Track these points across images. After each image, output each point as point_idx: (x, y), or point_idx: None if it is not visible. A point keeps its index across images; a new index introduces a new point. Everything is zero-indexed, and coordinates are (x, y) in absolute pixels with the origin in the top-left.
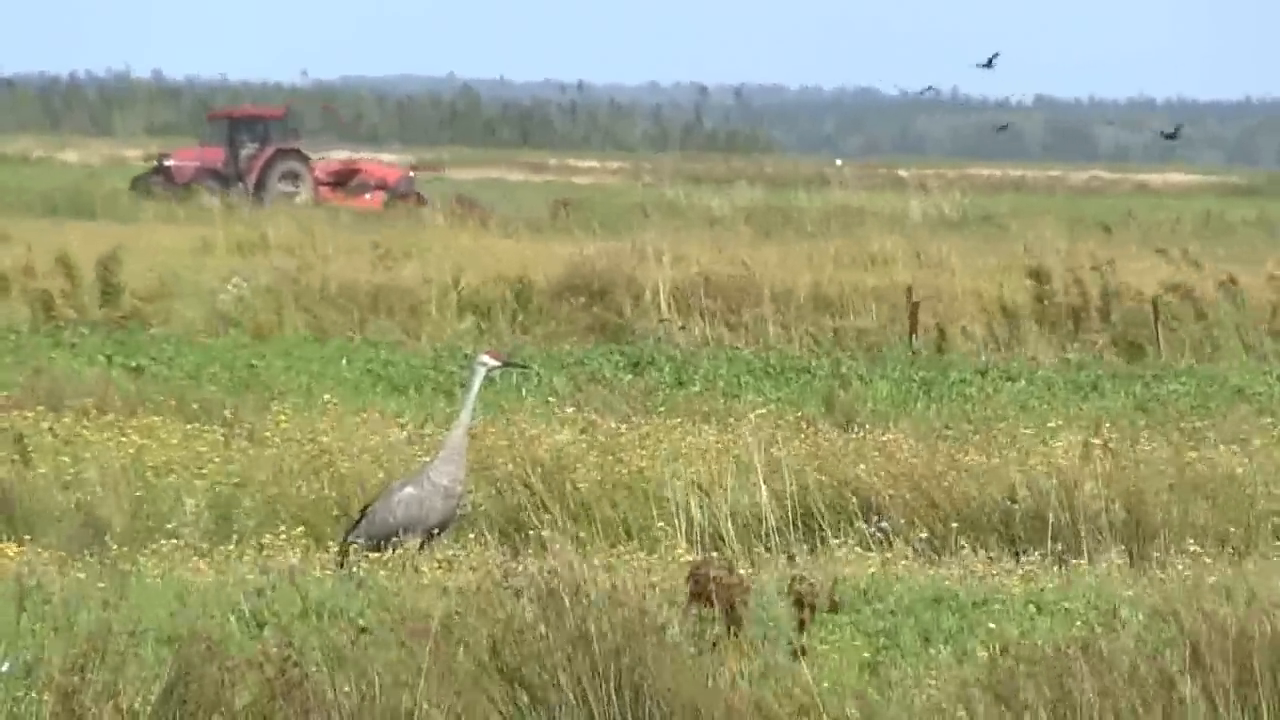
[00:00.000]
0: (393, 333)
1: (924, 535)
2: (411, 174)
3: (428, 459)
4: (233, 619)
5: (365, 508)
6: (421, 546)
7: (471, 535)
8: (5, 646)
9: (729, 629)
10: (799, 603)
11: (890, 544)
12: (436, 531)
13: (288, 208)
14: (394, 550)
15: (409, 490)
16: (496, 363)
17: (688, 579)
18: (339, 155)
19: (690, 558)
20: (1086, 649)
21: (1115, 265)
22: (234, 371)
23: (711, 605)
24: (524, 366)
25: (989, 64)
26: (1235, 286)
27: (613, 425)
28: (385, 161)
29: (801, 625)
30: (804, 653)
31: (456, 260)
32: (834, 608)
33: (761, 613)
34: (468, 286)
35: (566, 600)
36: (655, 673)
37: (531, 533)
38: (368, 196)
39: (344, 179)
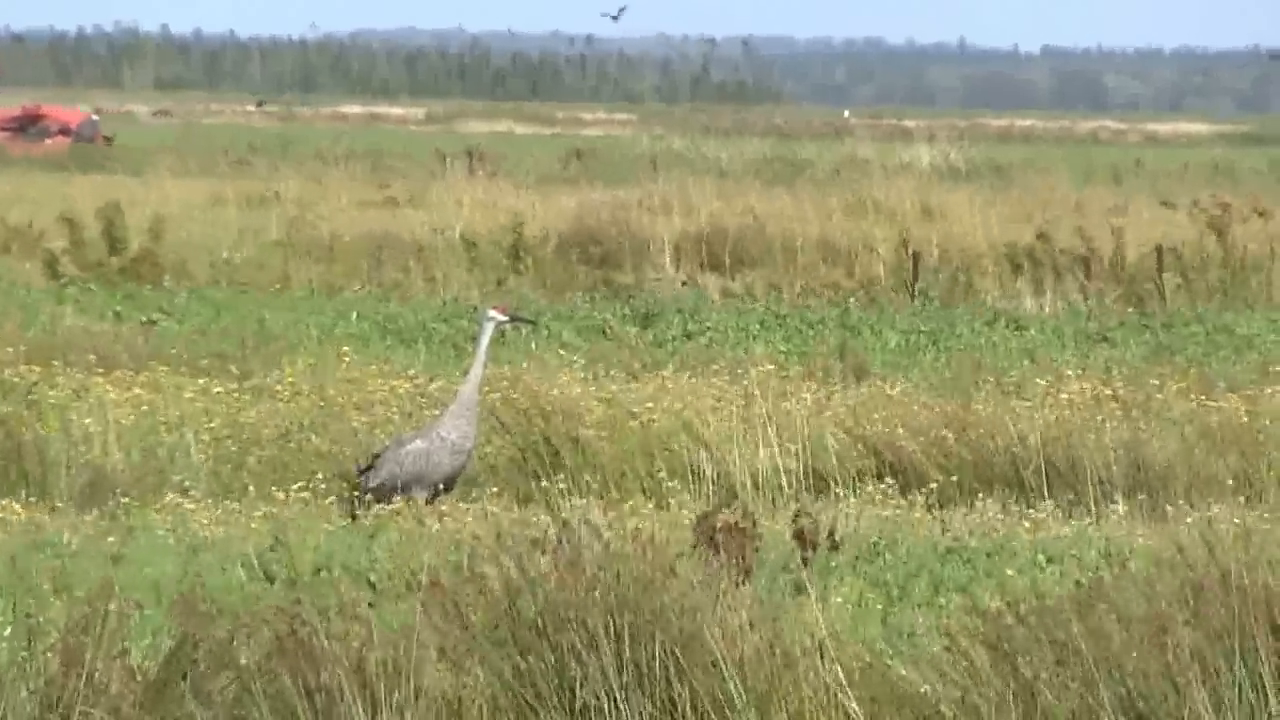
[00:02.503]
0: (401, 285)
1: (935, 486)
2: (95, 117)
3: (438, 412)
4: (242, 574)
5: (375, 457)
6: (429, 500)
7: (487, 488)
8: (11, 603)
9: (738, 578)
10: (800, 538)
11: (905, 495)
12: (443, 487)
13: None
14: (405, 502)
15: (418, 443)
16: (504, 317)
17: (695, 527)
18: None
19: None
20: (1089, 596)
21: (1124, 214)
22: (244, 325)
23: (719, 554)
24: (531, 321)
25: (616, 17)
26: (1264, 219)
27: (622, 379)
28: (68, 106)
29: (804, 562)
30: (806, 589)
31: (465, 212)
32: (834, 546)
33: (767, 557)
34: (476, 239)
35: (581, 549)
36: (671, 619)
37: (544, 485)
38: (49, 141)
39: (25, 125)
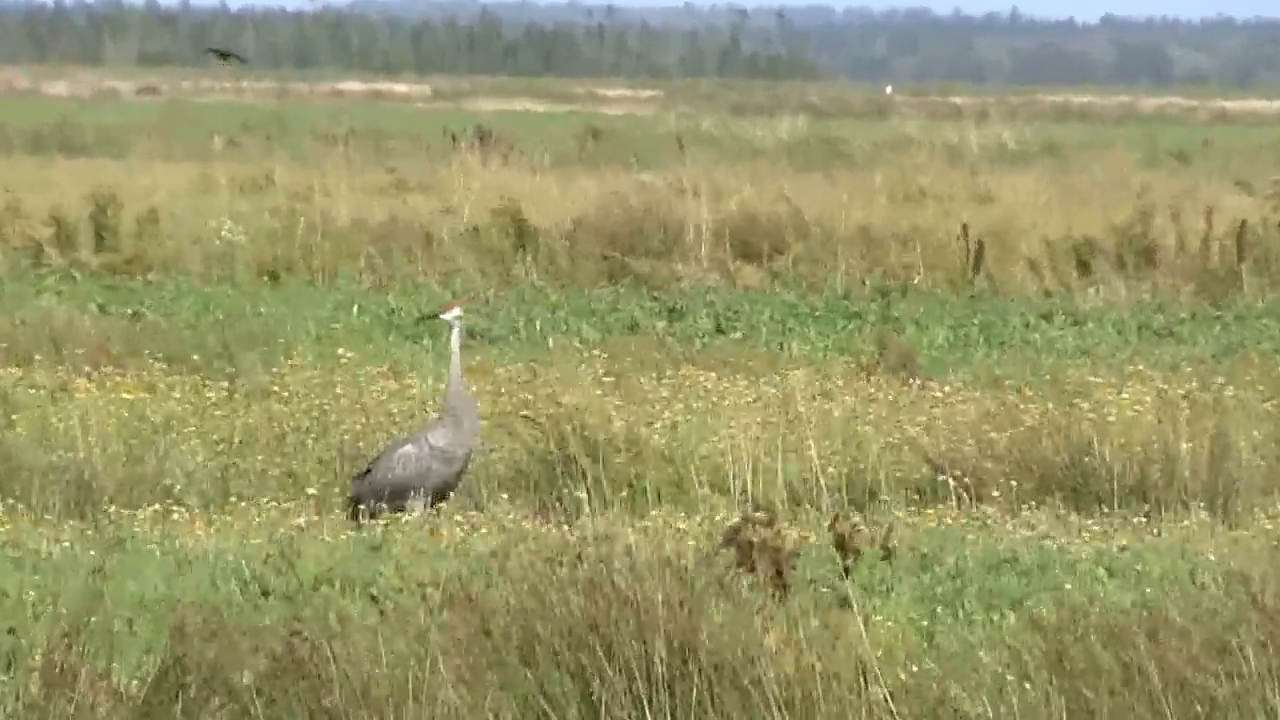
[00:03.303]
0: (406, 276)
1: (987, 493)
2: None
3: (435, 415)
4: (236, 588)
5: (372, 462)
6: (426, 510)
7: (500, 497)
8: None
9: (775, 595)
10: (841, 545)
11: (959, 503)
12: (439, 494)
13: None
14: (405, 511)
15: (408, 448)
16: (458, 311)
17: (725, 542)
18: None
19: (734, 519)
20: (1154, 612)
21: (1192, 198)
22: (237, 319)
23: (754, 570)
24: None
25: (225, 56)
26: None
27: (646, 377)
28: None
29: (846, 572)
30: (849, 604)
31: (475, 197)
32: (887, 554)
33: (805, 571)
34: (487, 226)
35: (601, 565)
36: (703, 640)
37: (564, 492)
38: None
39: None
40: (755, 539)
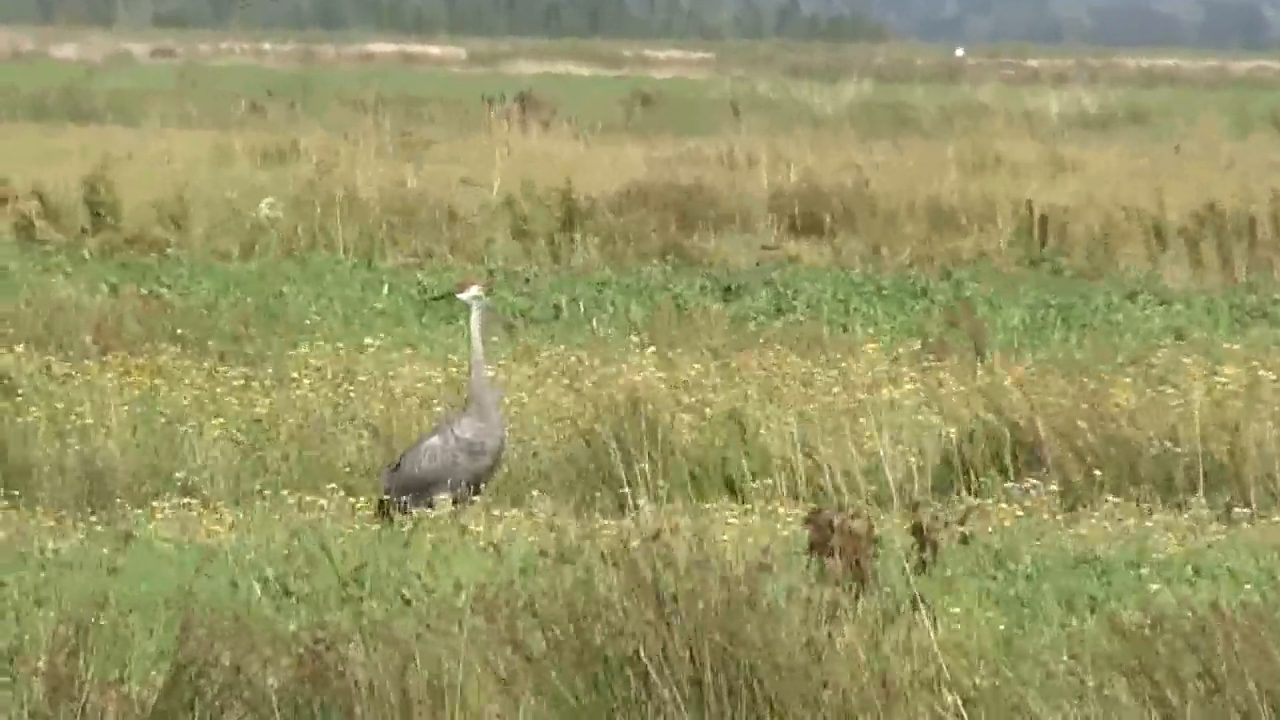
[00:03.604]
0: (440, 252)
1: (1066, 485)
2: None
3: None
4: (257, 588)
5: (402, 455)
6: (458, 502)
7: (544, 489)
8: None
9: (852, 587)
10: (919, 535)
11: (1030, 495)
12: (468, 488)
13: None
14: (433, 506)
15: (434, 440)
16: (483, 293)
17: (806, 523)
18: None
19: (796, 512)
20: (1245, 620)
21: None
22: (258, 299)
23: (833, 558)
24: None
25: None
26: None
27: (700, 361)
28: None
29: (923, 565)
30: (923, 602)
31: (514, 169)
32: (964, 540)
33: (882, 565)
34: (526, 198)
35: (650, 567)
36: (759, 649)
37: (613, 485)
38: None
39: None
40: (836, 522)
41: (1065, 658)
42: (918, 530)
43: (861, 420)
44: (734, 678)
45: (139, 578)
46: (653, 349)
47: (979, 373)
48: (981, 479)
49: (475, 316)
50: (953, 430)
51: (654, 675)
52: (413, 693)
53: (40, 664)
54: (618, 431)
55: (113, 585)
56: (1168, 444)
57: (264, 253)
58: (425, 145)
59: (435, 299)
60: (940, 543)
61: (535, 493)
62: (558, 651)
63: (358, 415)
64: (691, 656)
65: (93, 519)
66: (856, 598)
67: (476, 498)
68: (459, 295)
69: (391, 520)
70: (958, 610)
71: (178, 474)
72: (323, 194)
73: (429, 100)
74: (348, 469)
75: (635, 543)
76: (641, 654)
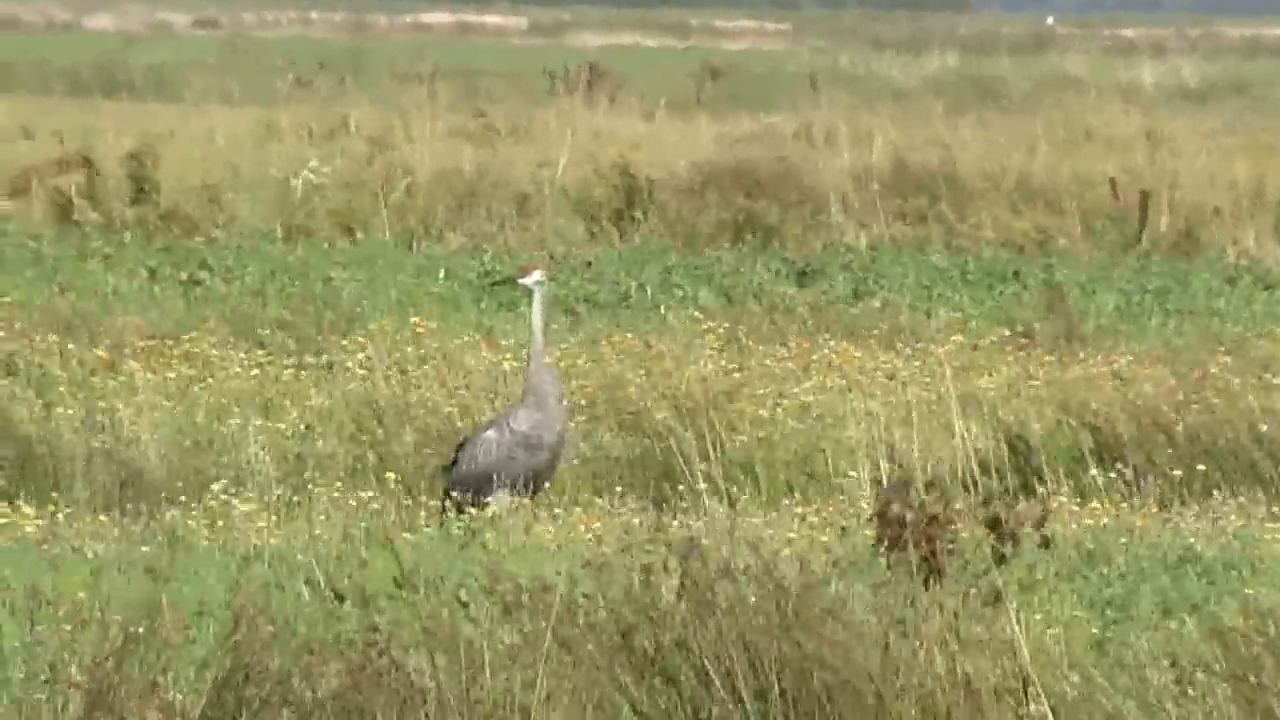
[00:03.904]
0: (500, 235)
1: (1164, 481)
2: None
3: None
4: (306, 591)
5: (459, 449)
6: (525, 497)
7: (607, 488)
8: (24, 630)
9: (927, 581)
10: (996, 528)
11: (1132, 493)
12: (526, 485)
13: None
14: (489, 504)
15: (489, 433)
16: (540, 274)
17: (874, 516)
18: None
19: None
20: None
21: None
22: (307, 285)
23: (904, 550)
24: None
25: None
26: None
27: (774, 350)
28: None
29: (1002, 560)
30: (999, 598)
31: (577, 146)
32: (1045, 543)
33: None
34: (591, 178)
35: (713, 573)
36: (829, 660)
37: (676, 485)
38: None
39: None
40: (908, 512)
41: (1164, 663)
42: (995, 523)
43: (945, 413)
44: (800, 688)
45: (181, 582)
46: (724, 337)
47: (1071, 363)
48: (1072, 474)
49: (537, 302)
50: (1041, 424)
51: (717, 685)
52: (470, 702)
53: (77, 674)
54: (686, 425)
55: (157, 591)
56: (1269, 437)
57: (312, 234)
58: (495, 131)
59: (496, 284)
60: (1020, 537)
61: (587, 493)
62: (616, 659)
63: (413, 408)
64: (754, 666)
65: (128, 520)
66: (930, 587)
67: (536, 495)
68: (521, 280)
69: (450, 519)
70: (1046, 613)
71: (221, 471)
72: (375, 174)
73: (487, 73)
74: (403, 465)
75: (702, 543)
76: (704, 663)
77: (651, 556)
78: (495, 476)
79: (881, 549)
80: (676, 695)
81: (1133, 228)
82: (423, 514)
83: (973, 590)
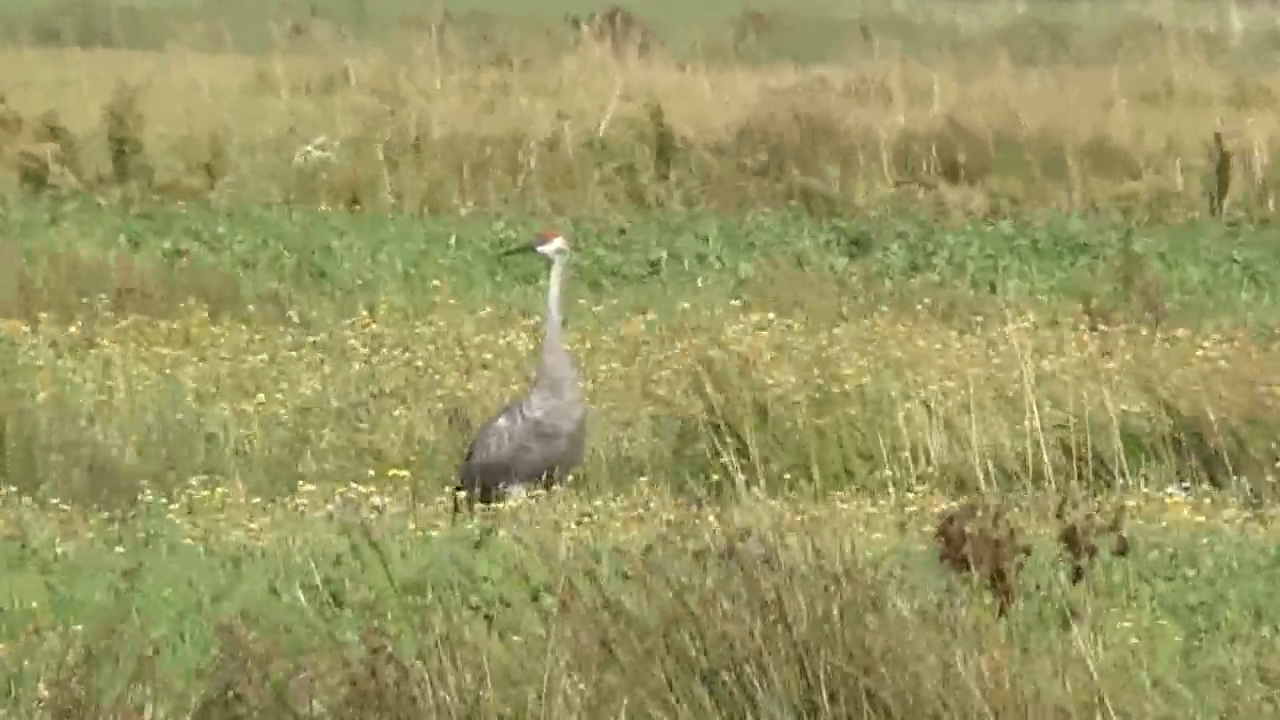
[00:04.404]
0: (518, 200)
1: (1255, 473)
2: None
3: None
4: (302, 597)
5: (474, 440)
6: (541, 491)
7: (637, 478)
8: None
9: (995, 602)
10: (1071, 541)
11: (1220, 486)
12: (544, 477)
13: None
14: (504, 499)
15: (501, 421)
16: (560, 242)
17: (938, 535)
18: None
19: (932, 506)
20: None
21: None
22: (304, 256)
23: (969, 569)
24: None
25: None
26: None
27: (822, 327)
28: None
29: (1078, 575)
30: (1075, 615)
31: (603, 100)
32: (1122, 548)
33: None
34: (619, 136)
35: (756, 571)
36: (883, 668)
37: (712, 475)
38: None
39: None
40: (971, 530)
41: (1254, 678)
42: (1070, 535)
43: (1012, 398)
44: (853, 699)
45: (163, 584)
46: (765, 312)
47: (1152, 341)
48: (1152, 466)
49: (556, 274)
50: (1120, 409)
51: (761, 694)
52: (484, 716)
53: (42, 690)
54: (724, 410)
55: (133, 595)
56: None
57: (310, 200)
58: (511, 83)
59: (511, 253)
60: (1098, 546)
61: (615, 484)
62: (651, 664)
63: (422, 392)
64: (803, 672)
65: (104, 515)
66: (1000, 614)
67: (555, 489)
68: (539, 249)
69: (463, 516)
70: (1124, 623)
71: (207, 462)
72: (377, 131)
73: (503, 19)
74: (410, 455)
75: (742, 539)
76: (747, 669)
77: (689, 551)
78: (509, 469)
79: (942, 565)
80: (716, 705)
81: (1220, 193)
82: (432, 510)
83: (1045, 600)
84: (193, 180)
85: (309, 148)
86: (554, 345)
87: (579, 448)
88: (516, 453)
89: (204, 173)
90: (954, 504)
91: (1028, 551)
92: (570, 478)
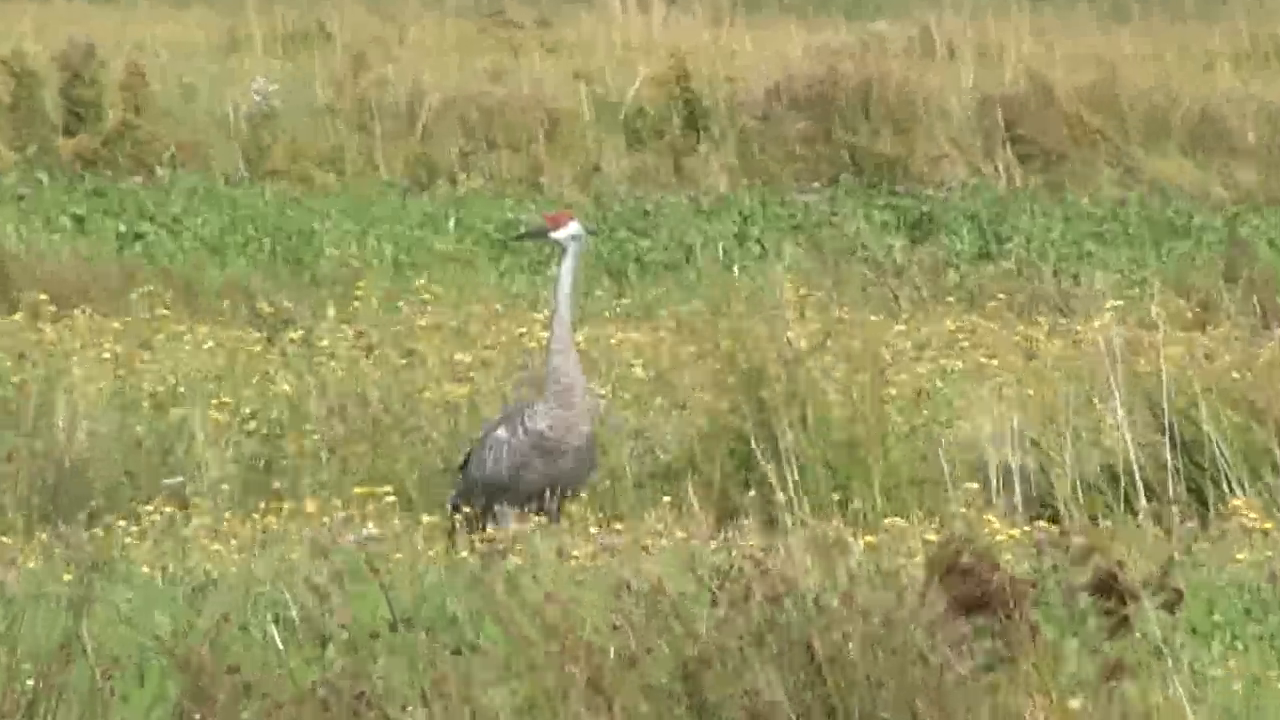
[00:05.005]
0: (526, 175)
1: None
2: None
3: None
4: (275, 632)
5: (470, 451)
6: (542, 512)
7: (658, 495)
8: None
9: (1013, 649)
10: (1102, 590)
11: None
12: (548, 497)
13: None
14: (502, 519)
15: (500, 432)
16: (576, 227)
17: (929, 571)
18: None
19: (1004, 529)
20: None
21: None
22: (280, 240)
23: (981, 611)
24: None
25: None
26: None
27: (880, 323)
28: None
29: (1114, 629)
30: (1117, 674)
31: (626, 58)
32: (1172, 602)
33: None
34: (645, 100)
35: (784, 609)
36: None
37: (757, 490)
38: None
39: None
40: (965, 569)
41: None
42: (1106, 585)
43: (1099, 406)
44: None
45: (117, 617)
46: (814, 305)
47: (1260, 340)
48: (1259, 481)
49: (568, 263)
50: (1219, 418)
51: None
52: None
53: None
54: (765, 418)
55: (82, 626)
56: None
57: (285, 175)
58: (511, 38)
59: (517, 238)
60: (1138, 593)
61: (636, 504)
62: (669, 711)
63: (414, 397)
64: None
65: (51, 536)
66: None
67: (558, 509)
68: (551, 234)
69: (459, 541)
70: (1225, 667)
71: (167, 477)
72: (363, 94)
73: None
74: (400, 470)
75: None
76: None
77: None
78: (508, 487)
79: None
80: None
81: None
82: (425, 533)
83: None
84: (152, 148)
85: (252, 89)
86: (563, 345)
87: (586, 467)
88: (516, 470)
89: (157, 142)
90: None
91: (1034, 586)
92: (571, 494)
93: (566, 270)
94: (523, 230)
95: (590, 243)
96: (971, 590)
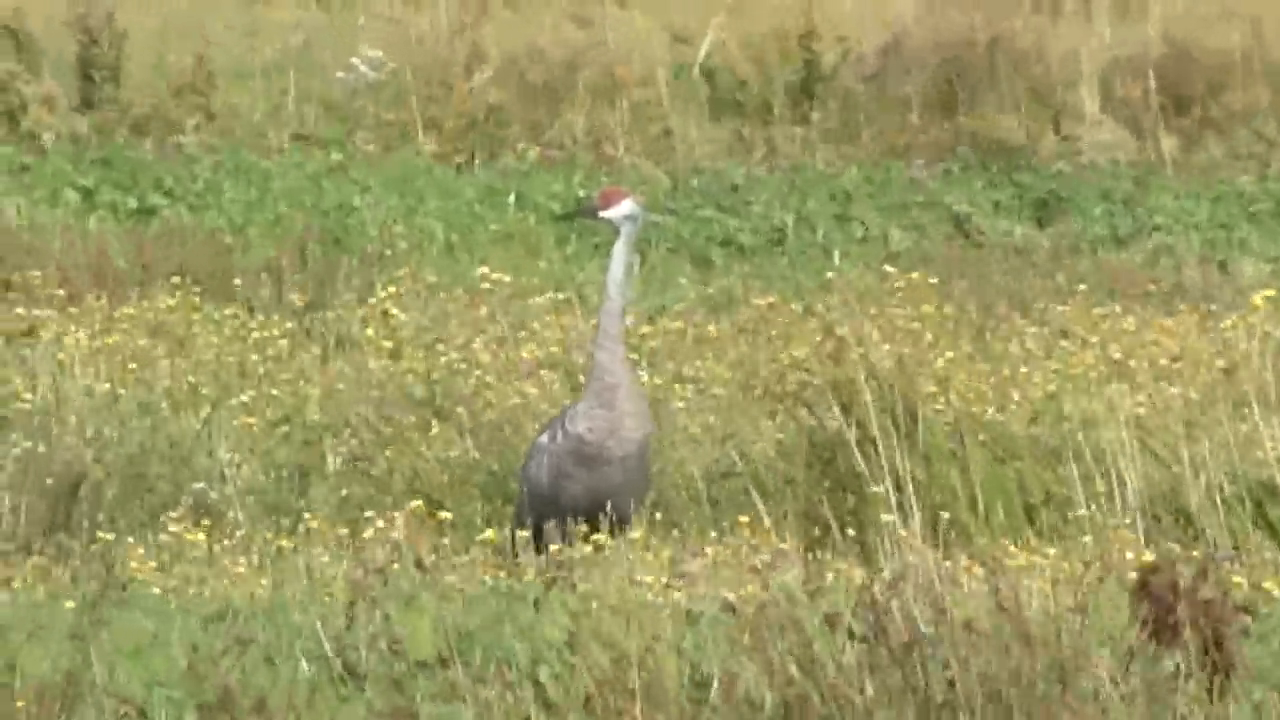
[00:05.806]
0: (601, 145)
1: None
2: None
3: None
4: (305, 666)
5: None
6: (588, 527)
7: (736, 514)
8: None
9: (1212, 679)
10: (1160, 625)
11: None
12: (587, 512)
13: None
14: (542, 537)
15: (543, 439)
16: (631, 206)
17: (1135, 591)
18: None
19: (1136, 554)
20: None
21: None
22: (316, 218)
23: (1178, 636)
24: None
25: None
26: None
27: (1000, 317)
28: None
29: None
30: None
31: (713, 15)
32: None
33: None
34: (736, 62)
35: (901, 643)
36: None
37: (854, 512)
38: None
39: None
40: (1181, 589)
41: None
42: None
43: (1249, 412)
44: None
45: (124, 647)
46: (926, 295)
47: None
48: None
49: (621, 246)
50: None
51: None
52: None
53: None
54: (865, 427)
55: (86, 657)
56: None
57: (320, 144)
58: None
59: (562, 217)
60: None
61: (718, 522)
62: None
63: (464, 399)
64: None
65: (52, 554)
66: (1220, 696)
67: (610, 526)
68: (601, 213)
69: (521, 564)
70: None
71: (185, 489)
72: (412, 53)
73: None
74: (449, 481)
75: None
76: None
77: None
78: (551, 498)
79: (1140, 633)
80: None
81: None
82: (473, 554)
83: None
84: (170, 116)
85: (357, 61)
86: (610, 338)
87: (637, 482)
88: (555, 480)
89: (187, 107)
90: (1155, 555)
91: (1252, 615)
92: (630, 510)
93: (618, 254)
94: (571, 209)
95: (646, 222)
96: (1170, 610)
